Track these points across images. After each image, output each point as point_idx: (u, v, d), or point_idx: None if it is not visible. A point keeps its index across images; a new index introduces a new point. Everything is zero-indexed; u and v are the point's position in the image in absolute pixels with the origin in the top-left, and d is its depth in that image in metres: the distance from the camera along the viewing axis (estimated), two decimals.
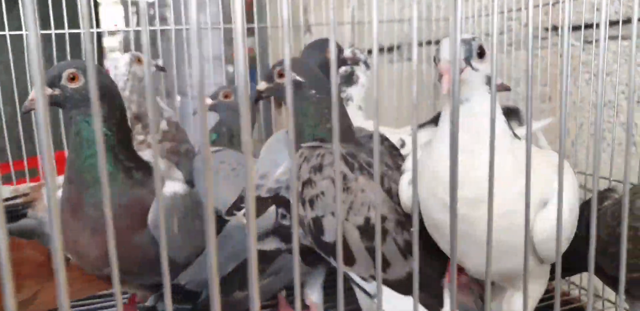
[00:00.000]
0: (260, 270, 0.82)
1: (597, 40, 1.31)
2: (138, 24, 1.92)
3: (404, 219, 0.81)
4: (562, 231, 0.67)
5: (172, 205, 0.89)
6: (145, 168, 0.88)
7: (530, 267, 0.77)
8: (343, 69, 1.32)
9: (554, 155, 0.80)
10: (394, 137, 1.23)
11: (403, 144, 1.27)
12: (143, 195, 0.85)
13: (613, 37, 1.31)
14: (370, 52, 1.90)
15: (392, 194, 0.83)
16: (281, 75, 0.87)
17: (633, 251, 0.78)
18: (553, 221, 0.70)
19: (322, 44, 1.09)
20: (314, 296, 0.91)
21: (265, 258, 0.86)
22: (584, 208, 0.88)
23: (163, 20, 2.40)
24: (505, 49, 1.43)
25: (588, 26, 1.29)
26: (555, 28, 1.36)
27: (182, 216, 0.89)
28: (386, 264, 0.78)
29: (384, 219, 0.81)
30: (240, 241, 0.88)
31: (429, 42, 1.77)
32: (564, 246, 0.76)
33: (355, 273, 0.79)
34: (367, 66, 1.35)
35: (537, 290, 0.85)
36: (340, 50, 1.05)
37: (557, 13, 1.30)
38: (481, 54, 0.73)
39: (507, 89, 1.12)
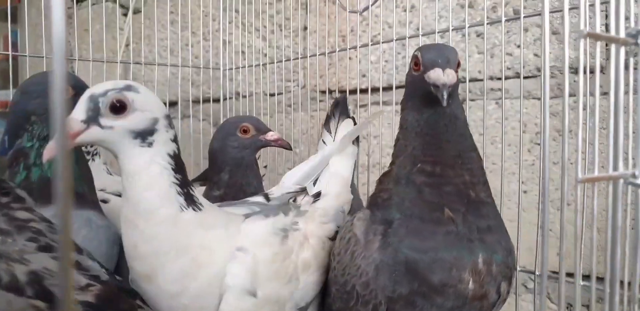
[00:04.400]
0: None
1: (368, 104, 1.38)
2: None
3: None
4: None
5: None
6: None
7: None
8: None
9: (230, 233, 0.72)
10: None
11: None
12: None
13: (376, 103, 1.38)
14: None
15: None
16: None
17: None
18: None
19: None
20: None
21: None
22: None
23: None
24: (287, 109, 1.48)
25: (363, 91, 1.37)
26: (330, 91, 1.43)
27: None
28: None
29: None
30: None
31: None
32: None
33: None
34: None
35: None
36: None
37: (330, 77, 1.38)
38: (120, 108, 0.64)
39: (286, 147, 1.08)
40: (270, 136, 1.04)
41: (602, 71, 0.97)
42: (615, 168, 0.43)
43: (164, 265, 0.66)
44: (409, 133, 0.71)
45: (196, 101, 1.66)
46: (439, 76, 0.64)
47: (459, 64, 0.68)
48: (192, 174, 1.32)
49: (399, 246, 0.67)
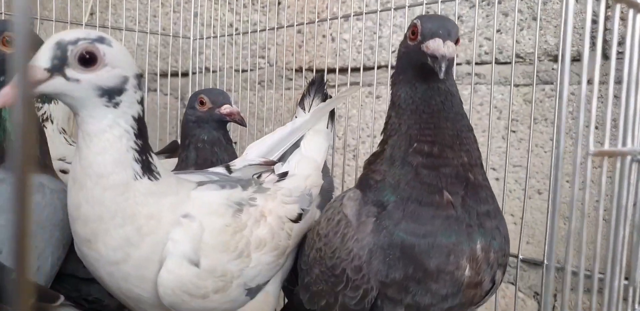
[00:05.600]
0: None
1: (339, 85, 1.34)
2: None
3: None
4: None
5: None
6: None
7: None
8: None
9: (178, 200, 0.68)
10: None
11: None
12: None
13: (346, 84, 1.34)
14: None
15: None
16: None
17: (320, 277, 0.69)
18: (172, 282, 0.64)
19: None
20: None
21: None
22: None
23: None
24: (256, 86, 1.42)
25: (331, 71, 1.32)
26: (301, 69, 1.39)
27: None
28: None
29: None
30: None
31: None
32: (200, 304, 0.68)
33: None
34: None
35: None
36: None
37: (302, 55, 1.33)
38: (89, 60, 0.58)
39: (239, 123, 0.98)
40: (224, 109, 0.94)
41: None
42: (624, 144, 0.41)
43: (106, 231, 0.63)
44: (403, 111, 0.66)
45: (162, 75, 1.59)
46: (438, 46, 0.59)
47: (457, 40, 0.62)
48: (156, 149, 1.26)
49: (395, 229, 0.63)
